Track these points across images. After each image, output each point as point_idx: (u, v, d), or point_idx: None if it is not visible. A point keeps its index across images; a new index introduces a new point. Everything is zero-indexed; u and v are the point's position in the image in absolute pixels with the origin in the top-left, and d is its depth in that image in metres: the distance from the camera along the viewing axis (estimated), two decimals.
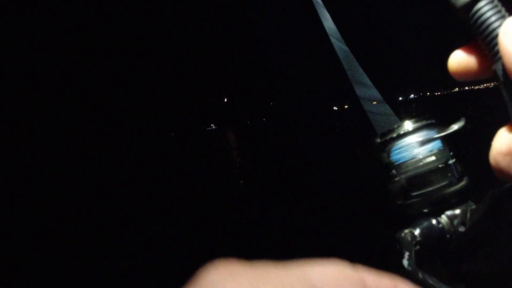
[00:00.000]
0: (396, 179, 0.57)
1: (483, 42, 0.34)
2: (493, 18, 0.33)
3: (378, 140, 0.60)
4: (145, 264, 4.48)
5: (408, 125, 0.57)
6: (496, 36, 0.32)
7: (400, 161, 0.57)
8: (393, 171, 0.58)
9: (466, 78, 0.36)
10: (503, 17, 0.33)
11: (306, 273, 0.27)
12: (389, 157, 0.59)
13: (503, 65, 0.32)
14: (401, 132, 0.57)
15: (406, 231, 0.53)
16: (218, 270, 0.25)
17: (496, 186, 0.35)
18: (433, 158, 0.55)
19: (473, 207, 0.53)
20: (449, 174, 0.55)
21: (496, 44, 0.32)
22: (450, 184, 0.55)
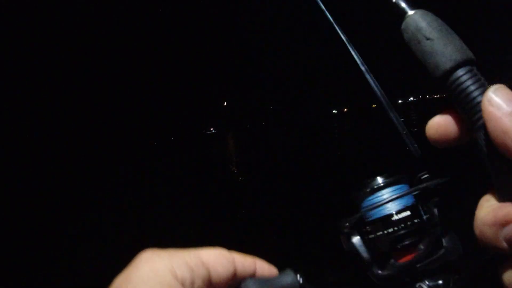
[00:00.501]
0: (371, 236, 0.54)
1: (462, 110, 0.33)
2: (473, 87, 0.32)
3: (353, 194, 0.58)
4: None
5: (380, 180, 0.55)
6: (477, 104, 0.32)
7: (373, 217, 0.55)
8: (367, 227, 0.55)
9: (445, 145, 0.36)
10: (483, 86, 0.32)
11: (198, 252, 0.36)
12: (362, 212, 0.56)
13: (486, 134, 0.31)
14: (374, 187, 0.55)
15: None
16: (145, 253, 0.35)
17: (480, 254, 0.35)
18: (408, 213, 0.52)
19: (456, 276, 0.50)
20: (426, 239, 0.52)
21: (477, 112, 0.32)
22: (429, 252, 0.51)
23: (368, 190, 0.55)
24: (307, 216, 5.38)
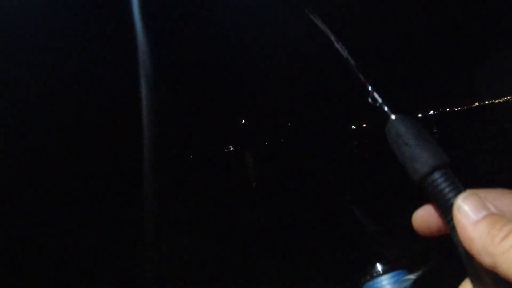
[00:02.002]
0: None
1: (439, 209, 0.36)
2: (446, 190, 0.35)
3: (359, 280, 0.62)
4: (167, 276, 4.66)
5: (379, 267, 0.59)
6: (450, 206, 0.34)
7: None
8: None
9: (429, 234, 0.40)
10: (456, 189, 0.35)
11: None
12: None
13: (457, 235, 0.33)
14: (374, 274, 0.59)
15: None
16: None
17: None
18: None
19: None
20: None
21: (450, 214, 0.34)
22: None
23: (368, 277, 0.60)
24: (325, 233, 5.48)
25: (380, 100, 0.40)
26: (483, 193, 0.34)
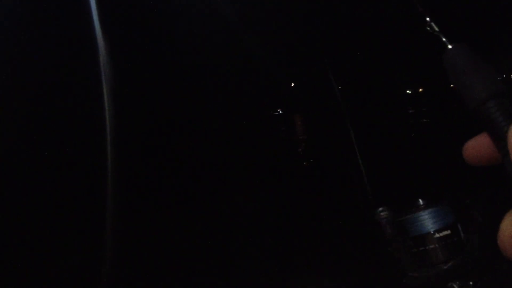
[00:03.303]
0: (413, 250, 0.60)
1: (493, 137, 0.37)
2: (501, 118, 0.35)
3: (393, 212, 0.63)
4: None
5: (421, 201, 0.60)
6: (504, 134, 0.35)
7: (416, 234, 0.60)
8: (410, 242, 0.61)
9: (479, 164, 0.40)
10: (511, 117, 0.36)
11: None
12: (405, 229, 0.62)
13: (510, 162, 0.34)
14: (417, 207, 0.60)
15: None
16: None
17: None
18: (448, 232, 0.58)
19: (483, 278, 0.55)
20: (461, 249, 0.57)
21: (504, 140, 0.35)
22: (463, 260, 0.57)
23: (409, 210, 0.62)
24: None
25: (437, 29, 0.42)
26: None
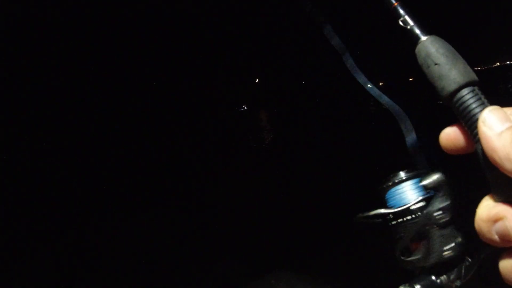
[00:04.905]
0: (393, 222, 0.59)
1: (465, 125, 0.38)
2: (473, 105, 0.37)
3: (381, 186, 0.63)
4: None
5: (402, 174, 0.60)
6: (475, 121, 0.37)
7: (397, 206, 0.59)
8: (390, 215, 0.60)
9: (455, 152, 0.43)
10: (482, 105, 0.37)
11: None
12: (387, 203, 0.61)
13: (482, 148, 0.36)
14: (396, 181, 0.60)
15: (407, 285, 0.56)
16: None
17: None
18: (423, 203, 0.56)
19: (467, 263, 0.55)
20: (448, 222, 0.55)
21: (476, 128, 0.37)
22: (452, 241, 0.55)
23: (390, 183, 0.61)
24: (333, 200, 5.36)
25: (411, 23, 0.42)
26: (509, 110, 0.37)
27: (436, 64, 0.39)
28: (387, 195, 0.61)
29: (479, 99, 0.38)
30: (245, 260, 3.83)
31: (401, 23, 0.42)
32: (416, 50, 0.42)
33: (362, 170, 6.21)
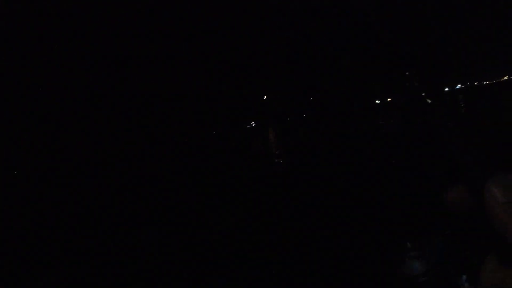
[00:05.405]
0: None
1: (470, 189, 0.41)
2: (478, 172, 0.39)
3: None
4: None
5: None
6: (481, 188, 0.39)
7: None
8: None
9: (460, 212, 0.44)
10: (488, 172, 0.40)
11: None
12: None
13: (486, 214, 0.38)
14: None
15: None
16: None
17: None
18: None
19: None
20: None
21: (481, 194, 0.39)
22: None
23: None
24: (344, 207, 5.35)
25: (417, 85, 0.49)
26: None
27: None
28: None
29: (484, 166, 0.41)
30: (245, 260, 3.82)
31: (407, 84, 0.48)
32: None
33: (364, 182, 6.18)
